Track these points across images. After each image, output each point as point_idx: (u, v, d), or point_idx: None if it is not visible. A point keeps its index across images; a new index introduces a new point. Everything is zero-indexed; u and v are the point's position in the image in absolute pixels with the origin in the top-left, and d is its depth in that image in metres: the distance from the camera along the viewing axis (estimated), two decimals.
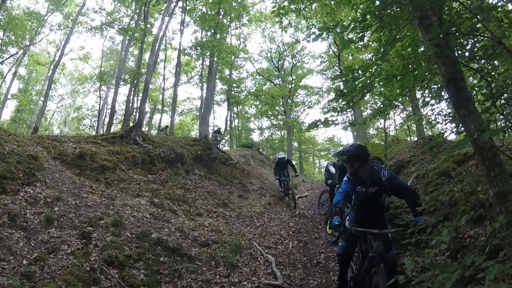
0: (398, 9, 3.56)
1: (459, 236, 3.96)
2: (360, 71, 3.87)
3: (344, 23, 3.97)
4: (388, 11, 3.68)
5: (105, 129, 18.90)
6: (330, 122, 3.90)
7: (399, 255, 4.77)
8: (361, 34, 3.79)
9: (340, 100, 4.07)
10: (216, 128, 21.58)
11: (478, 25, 3.37)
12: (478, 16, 3.22)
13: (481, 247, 3.35)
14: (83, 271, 4.29)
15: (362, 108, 18.68)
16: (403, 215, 5.48)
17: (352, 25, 3.71)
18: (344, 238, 4.21)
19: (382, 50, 3.90)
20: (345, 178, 4.16)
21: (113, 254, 4.79)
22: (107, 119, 20.18)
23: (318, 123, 3.89)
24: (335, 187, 7.34)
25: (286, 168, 11.96)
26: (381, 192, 4.06)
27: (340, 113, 3.98)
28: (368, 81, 3.87)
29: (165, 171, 9.74)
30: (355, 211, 4.28)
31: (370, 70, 4.03)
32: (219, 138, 17.81)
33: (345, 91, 3.86)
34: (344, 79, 3.90)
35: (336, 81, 5.30)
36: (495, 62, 3.74)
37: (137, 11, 17.48)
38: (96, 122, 22.74)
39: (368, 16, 3.59)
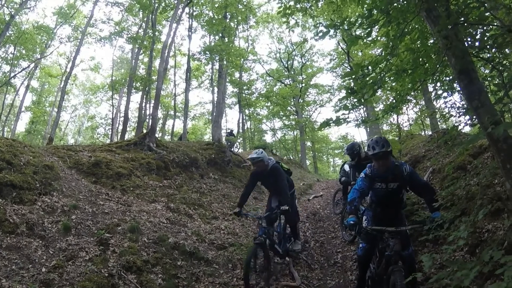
0: (405, 2, 3.52)
1: (477, 231, 3.87)
2: (369, 68, 3.83)
3: (351, 19, 3.93)
4: (395, 4, 3.64)
5: (119, 137, 19.18)
6: (342, 120, 3.88)
7: (417, 252, 4.70)
8: (368, 30, 3.75)
9: (351, 97, 4.03)
10: (229, 131, 21.65)
11: (487, 14, 3.30)
12: (486, 5, 3.15)
13: (499, 241, 3.27)
14: (102, 277, 4.35)
15: (374, 104, 18.49)
16: (420, 211, 5.39)
17: (359, 21, 3.68)
18: (364, 239, 4.11)
19: (390, 44, 3.85)
20: (362, 175, 4.05)
21: (130, 259, 4.86)
22: (120, 127, 20.49)
23: (330, 122, 3.87)
24: (348, 185, 7.27)
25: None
26: (401, 188, 3.98)
27: (351, 111, 3.94)
28: (379, 77, 3.83)
29: (180, 176, 9.81)
30: (373, 209, 4.17)
31: (379, 65, 3.99)
32: (231, 141, 17.85)
33: (355, 88, 3.82)
34: (353, 76, 3.86)
35: (346, 79, 5.24)
36: (506, 50, 3.66)
37: (145, 19, 17.70)
38: (110, 130, 23.11)
39: (374, 11, 3.55)
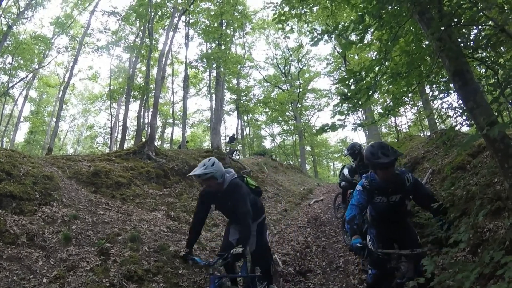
0: (397, 6, 3.55)
1: (478, 230, 3.86)
2: (363, 73, 3.82)
3: (344, 25, 3.96)
4: (389, 8, 3.67)
5: (118, 146, 19.19)
6: (338, 125, 3.84)
7: None
8: (361, 35, 3.77)
9: (346, 103, 4.03)
10: (230, 136, 21.50)
11: (480, 14, 3.32)
12: (479, 5, 3.18)
13: (501, 240, 3.26)
14: (103, 287, 4.33)
15: (372, 107, 18.54)
16: (421, 213, 5.38)
17: (352, 27, 3.70)
18: (373, 264, 3.49)
19: (384, 49, 3.87)
20: (359, 187, 3.48)
21: (132, 269, 4.83)
22: (119, 136, 20.50)
23: (326, 127, 3.85)
24: (347, 190, 7.24)
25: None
26: (404, 199, 3.48)
27: (347, 116, 3.91)
28: (373, 82, 3.84)
29: (180, 184, 9.81)
30: (375, 227, 3.66)
31: (374, 70, 4.00)
32: (231, 148, 17.80)
33: (349, 94, 3.81)
34: (346, 82, 3.84)
35: (339, 85, 5.21)
36: (501, 49, 3.68)
37: (142, 28, 17.78)
38: (109, 140, 23.11)
39: (366, 17, 3.58)
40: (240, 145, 24.71)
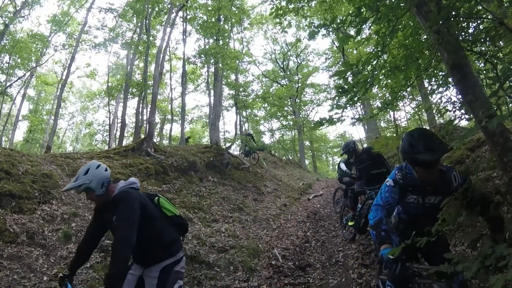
0: None
1: (477, 225, 3.87)
2: (359, 66, 3.79)
3: (341, 18, 3.93)
4: (387, 1, 3.64)
5: (117, 143, 19.16)
6: (335, 119, 3.83)
7: None
8: (358, 28, 3.74)
9: (343, 96, 4.00)
10: (247, 133, 20.08)
11: (479, 7, 3.30)
12: None
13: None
14: (103, 284, 4.34)
15: (371, 101, 18.53)
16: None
17: (349, 20, 3.68)
18: (395, 280, 2.63)
19: (382, 42, 3.85)
20: (389, 182, 2.76)
21: None
22: (118, 133, 20.46)
23: (324, 121, 3.84)
24: (351, 186, 7.18)
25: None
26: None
27: (344, 110, 3.89)
28: (371, 75, 3.82)
29: (179, 180, 9.81)
30: (400, 234, 2.88)
31: (371, 63, 3.98)
32: (247, 148, 16.74)
33: (347, 87, 3.78)
34: (344, 76, 3.81)
35: (336, 78, 5.14)
36: (500, 43, 3.66)
37: (139, 24, 17.68)
38: (108, 137, 23.07)
39: (363, 10, 3.55)
40: (239, 141, 24.68)
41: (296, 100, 28.97)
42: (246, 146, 16.80)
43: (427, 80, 6.03)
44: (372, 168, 6.15)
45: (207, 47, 16.41)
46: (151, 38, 16.69)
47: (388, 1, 3.57)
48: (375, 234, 2.67)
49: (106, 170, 2.76)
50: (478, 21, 3.56)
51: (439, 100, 5.19)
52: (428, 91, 6.33)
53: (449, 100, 4.95)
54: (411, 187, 2.68)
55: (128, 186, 2.88)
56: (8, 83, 19.65)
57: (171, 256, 2.82)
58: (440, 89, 4.89)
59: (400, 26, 4.06)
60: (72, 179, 2.75)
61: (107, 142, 23.30)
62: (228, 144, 15.39)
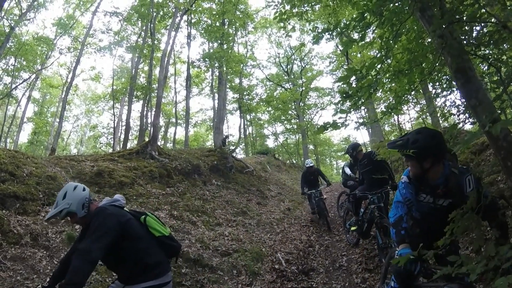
0: (397, 3, 3.52)
1: (481, 229, 3.83)
2: (363, 71, 3.78)
3: (345, 23, 3.94)
4: (391, 5, 3.64)
5: (121, 146, 19.24)
6: (339, 124, 3.81)
7: None
8: (362, 33, 3.75)
9: (347, 101, 3.99)
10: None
11: (482, 11, 3.30)
12: (481, 1, 3.16)
13: None
14: (106, 286, 4.34)
15: (375, 105, 18.48)
16: None
17: (353, 24, 3.68)
18: (400, 278, 2.73)
19: (385, 46, 3.85)
20: (404, 179, 2.80)
21: None
22: (122, 136, 20.56)
23: (327, 126, 3.83)
24: (355, 189, 7.16)
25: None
26: (455, 207, 2.42)
27: (348, 114, 3.87)
28: (374, 80, 3.81)
29: (183, 183, 9.83)
30: (410, 230, 2.84)
31: (375, 68, 3.98)
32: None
33: (351, 92, 3.77)
34: (348, 81, 3.81)
35: (340, 83, 5.12)
36: (504, 46, 3.65)
37: (144, 28, 17.81)
38: (112, 140, 23.17)
39: (367, 14, 3.56)
40: (243, 144, 24.71)
41: (300, 103, 28.96)
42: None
43: (431, 84, 6.02)
44: (373, 172, 6.08)
45: (211, 51, 16.49)
46: (155, 42, 16.81)
47: (391, 6, 3.57)
48: (395, 232, 2.69)
49: (84, 190, 2.64)
50: (482, 25, 3.56)
51: (443, 104, 5.18)
52: (432, 95, 6.32)
53: (453, 103, 4.95)
54: (422, 186, 2.71)
55: (109, 203, 2.74)
56: (14, 85, 19.82)
57: (153, 278, 2.60)
58: (444, 93, 4.89)
59: (403, 30, 4.06)
60: (52, 206, 2.62)
61: (112, 145, 23.41)
62: (232, 148, 15.34)
